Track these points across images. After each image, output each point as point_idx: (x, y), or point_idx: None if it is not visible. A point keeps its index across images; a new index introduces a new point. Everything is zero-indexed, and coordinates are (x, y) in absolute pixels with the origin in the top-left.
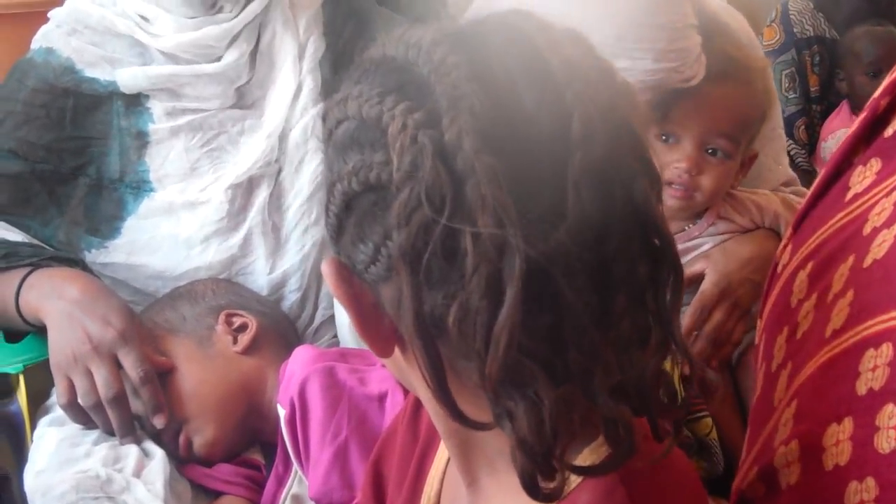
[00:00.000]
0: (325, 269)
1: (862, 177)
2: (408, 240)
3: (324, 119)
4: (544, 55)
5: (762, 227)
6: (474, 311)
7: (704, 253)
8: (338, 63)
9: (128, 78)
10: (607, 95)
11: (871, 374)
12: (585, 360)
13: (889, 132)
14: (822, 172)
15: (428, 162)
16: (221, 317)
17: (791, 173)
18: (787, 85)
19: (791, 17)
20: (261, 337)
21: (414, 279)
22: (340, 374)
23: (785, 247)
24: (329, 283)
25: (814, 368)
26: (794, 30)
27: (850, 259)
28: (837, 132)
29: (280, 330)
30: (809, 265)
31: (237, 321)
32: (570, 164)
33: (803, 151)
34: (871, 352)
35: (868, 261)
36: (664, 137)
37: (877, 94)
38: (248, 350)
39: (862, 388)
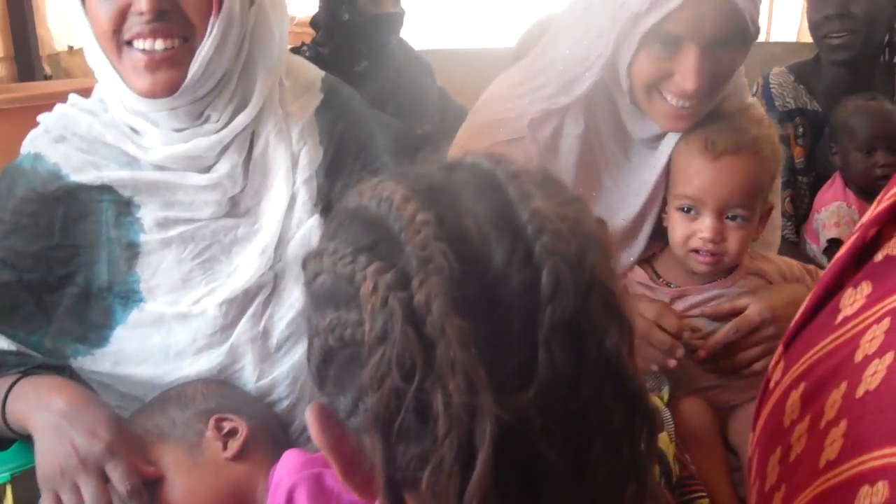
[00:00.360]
0: (309, 415)
1: (852, 299)
2: (380, 403)
3: (303, 267)
4: (514, 207)
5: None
6: (447, 473)
7: (750, 290)
8: (331, 169)
9: (118, 179)
10: (576, 246)
11: None
12: None
13: (879, 257)
14: (812, 292)
15: (398, 326)
16: (211, 422)
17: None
18: None
19: (772, 90)
20: (251, 441)
21: (386, 444)
22: (328, 480)
23: (776, 363)
24: (311, 430)
25: (808, 499)
26: (776, 103)
27: (843, 386)
28: (831, 205)
29: (270, 432)
30: (801, 386)
31: (227, 426)
32: (540, 321)
33: (789, 223)
34: (866, 489)
35: (860, 391)
36: (685, 209)
37: (865, 219)
38: (238, 456)
39: None
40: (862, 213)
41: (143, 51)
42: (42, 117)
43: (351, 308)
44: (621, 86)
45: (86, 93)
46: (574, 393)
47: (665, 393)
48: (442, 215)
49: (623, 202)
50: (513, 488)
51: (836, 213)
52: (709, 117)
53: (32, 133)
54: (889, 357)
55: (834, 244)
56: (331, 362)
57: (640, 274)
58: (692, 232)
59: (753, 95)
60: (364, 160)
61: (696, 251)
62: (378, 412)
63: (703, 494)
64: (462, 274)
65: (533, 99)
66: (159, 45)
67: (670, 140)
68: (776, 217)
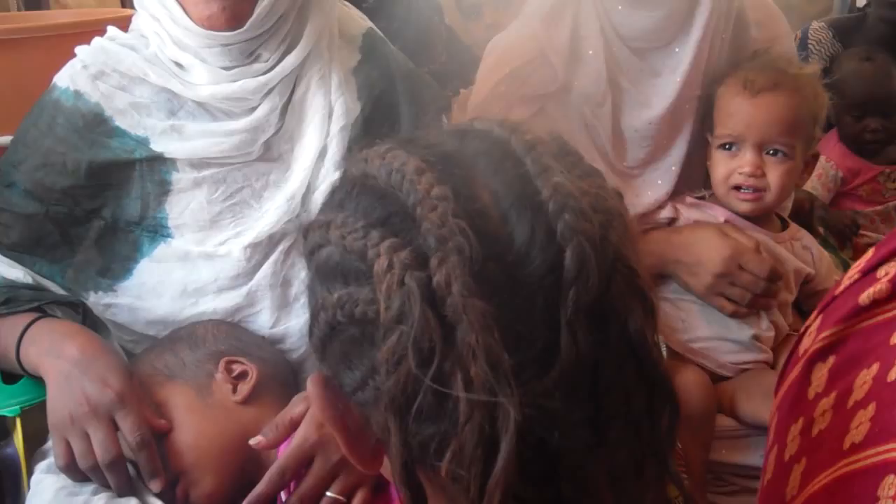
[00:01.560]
0: (311, 387)
1: None
2: (396, 387)
3: (304, 237)
4: (534, 182)
5: None
6: (468, 459)
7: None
8: (365, 127)
9: (159, 130)
10: (599, 224)
11: (890, 501)
12: (579, 493)
13: None
14: (864, 259)
15: (417, 308)
16: (221, 364)
17: None
18: None
19: (809, 45)
20: (261, 385)
21: (402, 428)
22: None
23: (807, 328)
24: (313, 401)
25: (830, 479)
26: (811, 59)
27: (875, 367)
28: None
29: (280, 377)
30: (831, 359)
31: (237, 369)
32: (563, 303)
33: None
34: (890, 478)
35: (893, 375)
36: (726, 146)
37: None
38: (248, 400)
39: None
40: (849, 170)
41: None
42: (80, 50)
43: (362, 284)
44: None
45: (90, 25)
46: (596, 376)
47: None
48: (459, 189)
49: (645, 104)
50: (532, 470)
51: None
52: (750, 59)
53: (69, 67)
54: None
55: None
56: (337, 338)
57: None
58: (732, 169)
59: None
60: (392, 125)
61: (738, 189)
62: (395, 395)
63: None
64: (482, 254)
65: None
66: None
67: (690, 46)
68: None
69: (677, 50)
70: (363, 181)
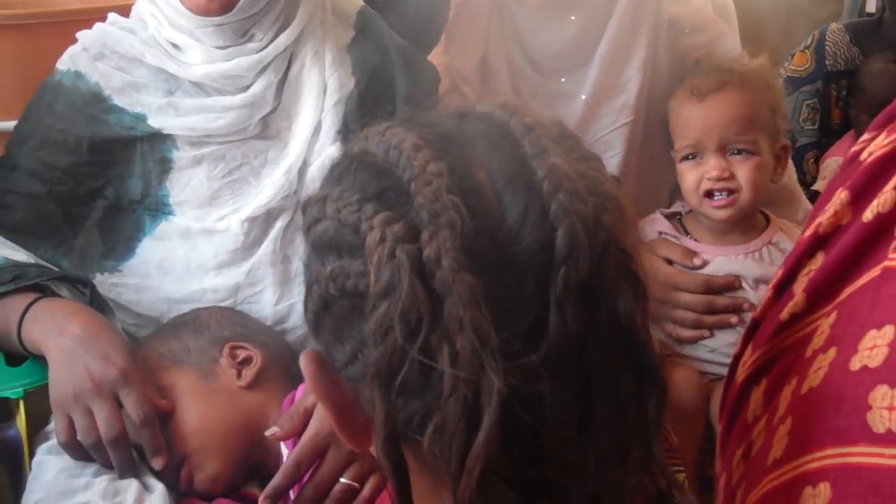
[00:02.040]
0: (304, 363)
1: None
2: (382, 358)
3: (303, 212)
4: (530, 163)
5: None
6: (450, 433)
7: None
8: (360, 101)
9: (156, 107)
10: (593, 206)
11: None
12: (563, 476)
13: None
14: (775, 275)
15: (405, 280)
16: (226, 349)
17: None
18: (805, 115)
19: (826, 47)
20: (265, 371)
21: (386, 399)
22: None
23: (738, 357)
24: (307, 378)
25: (756, 498)
26: (827, 62)
27: (794, 382)
28: (829, 160)
29: (284, 363)
30: (764, 382)
31: (241, 354)
32: (553, 282)
33: (824, 182)
34: (809, 490)
35: (805, 387)
36: (689, 157)
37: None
38: (252, 385)
39: None
40: None
41: None
42: (81, 34)
43: (355, 257)
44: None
45: (99, 12)
46: (583, 356)
47: None
48: (454, 166)
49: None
50: (516, 449)
51: (829, 168)
52: (694, 67)
53: (70, 50)
54: (832, 353)
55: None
56: (329, 311)
57: (663, 223)
58: (700, 176)
59: (806, 48)
60: (389, 100)
61: (711, 196)
62: (380, 366)
63: (681, 469)
64: (474, 229)
65: None
66: None
67: (595, 65)
68: (800, 194)
69: (590, 70)
70: (361, 157)
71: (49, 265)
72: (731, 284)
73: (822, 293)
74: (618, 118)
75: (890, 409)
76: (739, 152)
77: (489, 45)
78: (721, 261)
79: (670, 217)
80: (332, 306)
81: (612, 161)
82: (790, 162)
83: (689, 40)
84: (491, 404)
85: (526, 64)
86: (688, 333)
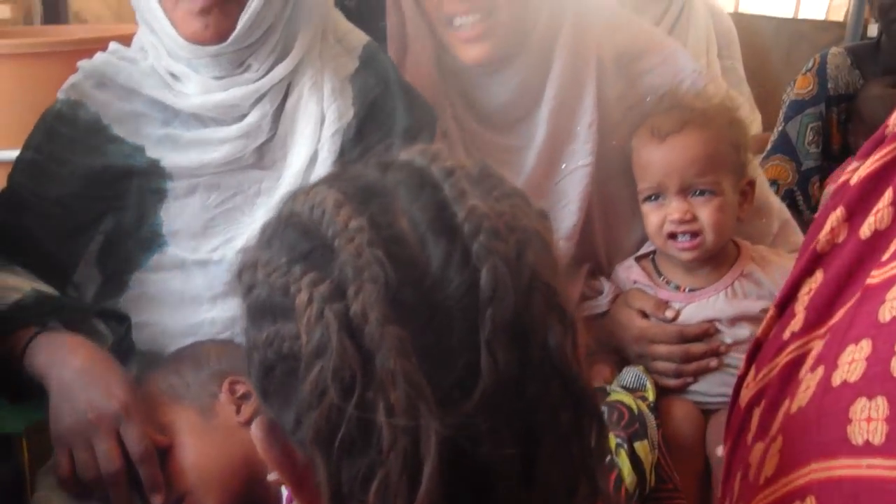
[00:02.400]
0: (255, 431)
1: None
2: (320, 419)
3: (238, 279)
4: (451, 207)
5: None
6: (394, 488)
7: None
8: (358, 132)
9: (154, 138)
10: (514, 243)
11: None
12: None
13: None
14: (775, 299)
15: (335, 339)
16: (225, 385)
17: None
18: (810, 139)
19: (828, 70)
20: None
21: (328, 460)
22: None
23: (742, 378)
24: (259, 446)
25: None
26: (829, 85)
27: (787, 402)
28: (829, 186)
29: None
30: (763, 403)
31: (241, 389)
32: (481, 323)
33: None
34: None
35: (794, 407)
36: (652, 198)
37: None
38: (252, 420)
39: None
40: None
41: None
42: (82, 64)
43: (288, 320)
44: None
45: (107, 41)
46: (519, 394)
47: (649, 392)
48: (376, 219)
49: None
50: (463, 496)
51: (829, 195)
52: (657, 105)
53: (72, 79)
54: (820, 371)
55: None
56: (271, 377)
57: (637, 272)
58: (662, 218)
59: (808, 72)
60: (387, 132)
61: (674, 237)
62: (319, 427)
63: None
64: (399, 280)
65: None
66: None
67: (543, 116)
68: (774, 204)
69: (540, 118)
70: (289, 219)
71: (80, 300)
72: (706, 332)
73: (821, 311)
74: (574, 162)
75: (868, 420)
76: (702, 193)
77: (437, 108)
78: (693, 308)
79: (644, 258)
80: (272, 371)
81: (572, 207)
82: (760, 170)
83: (640, 64)
84: (430, 453)
85: (475, 122)
86: (672, 383)
